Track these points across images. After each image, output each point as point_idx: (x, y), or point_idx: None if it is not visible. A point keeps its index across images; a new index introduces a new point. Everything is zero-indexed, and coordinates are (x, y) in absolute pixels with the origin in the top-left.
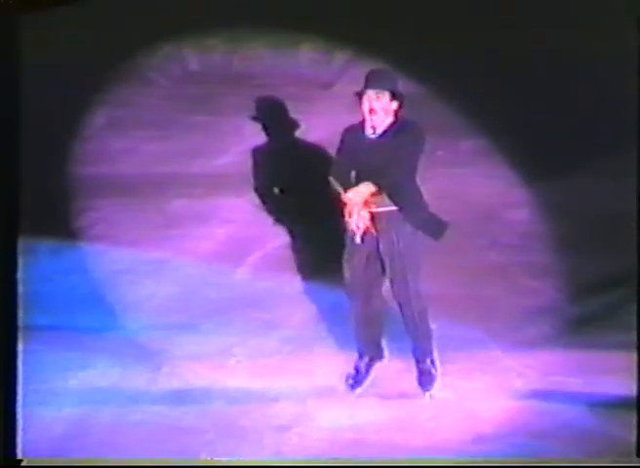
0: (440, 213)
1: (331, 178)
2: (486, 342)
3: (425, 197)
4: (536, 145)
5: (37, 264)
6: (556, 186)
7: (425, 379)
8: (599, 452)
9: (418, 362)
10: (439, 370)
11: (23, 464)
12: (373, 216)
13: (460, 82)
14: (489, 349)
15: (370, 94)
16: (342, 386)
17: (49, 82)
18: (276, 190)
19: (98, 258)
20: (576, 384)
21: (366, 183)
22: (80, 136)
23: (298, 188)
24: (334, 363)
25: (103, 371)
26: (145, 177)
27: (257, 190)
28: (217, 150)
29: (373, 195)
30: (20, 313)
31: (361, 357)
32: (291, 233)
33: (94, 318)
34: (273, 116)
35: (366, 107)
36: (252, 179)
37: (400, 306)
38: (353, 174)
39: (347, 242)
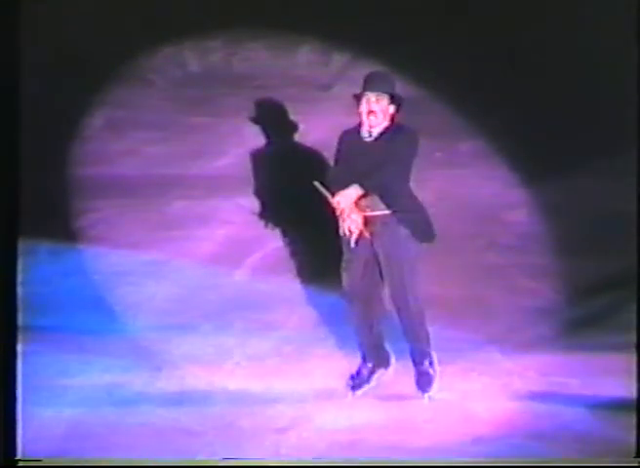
0: (439, 214)
1: (316, 183)
2: (485, 343)
3: (425, 198)
4: (535, 146)
5: (37, 265)
6: (556, 187)
7: (424, 381)
8: (598, 454)
9: (416, 363)
10: (438, 372)
11: (23, 464)
12: (367, 220)
13: (458, 83)
14: (488, 350)
15: (369, 96)
16: (341, 388)
17: (49, 82)
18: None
19: (97, 260)
20: (575, 385)
21: (354, 186)
22: (80, 136)
23: (297, 190)
24: (333, 364)
25: (103, 372)
26: (145, 179)
27: (256, 193)
28: (216, 151)
29: (363, 198)
30: (20, 314)
31: (365, 361)
32: (290, 235)
33: (93, 319)
34: (272, 118)
35: (364, 109)
36: (252, 181)
37: (398, 309)
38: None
39: (344, 249)
